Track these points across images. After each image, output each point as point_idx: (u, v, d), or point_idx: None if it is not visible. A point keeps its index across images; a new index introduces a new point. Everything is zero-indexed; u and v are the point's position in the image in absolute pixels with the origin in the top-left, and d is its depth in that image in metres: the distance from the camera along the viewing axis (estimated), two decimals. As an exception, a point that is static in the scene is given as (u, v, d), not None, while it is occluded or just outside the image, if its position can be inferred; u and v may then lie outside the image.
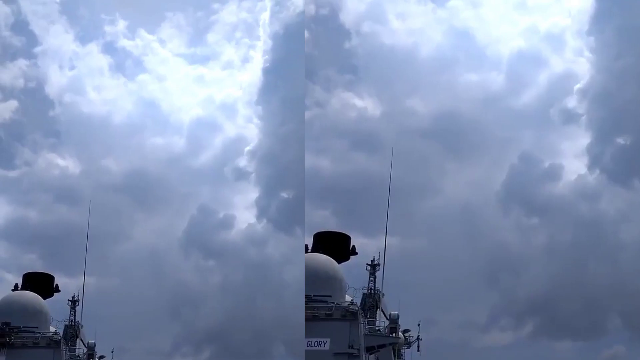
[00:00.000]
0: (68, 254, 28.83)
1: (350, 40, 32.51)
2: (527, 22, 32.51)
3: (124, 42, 33.60)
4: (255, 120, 33.16)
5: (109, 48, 33.66)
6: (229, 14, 33.23)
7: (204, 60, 33.45)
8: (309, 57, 31.41)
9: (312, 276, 18.97)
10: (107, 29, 33.72)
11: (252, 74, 32.85)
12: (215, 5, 33.15)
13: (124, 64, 33.86)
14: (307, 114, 32.14)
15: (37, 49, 33.83)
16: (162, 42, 33.65)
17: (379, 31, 32.19)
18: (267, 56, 32.51)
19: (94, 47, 34.09)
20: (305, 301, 18.51)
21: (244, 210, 33.27)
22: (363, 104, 32.37)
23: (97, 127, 33.09)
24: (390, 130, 31.40)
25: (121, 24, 33.58)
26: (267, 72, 32.44)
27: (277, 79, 32.30)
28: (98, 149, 32.87)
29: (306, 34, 31.22)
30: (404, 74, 31.95)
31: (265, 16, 32.32)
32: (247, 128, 33.41)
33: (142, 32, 33.50)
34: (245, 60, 33.24)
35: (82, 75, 34.07)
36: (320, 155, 32.15)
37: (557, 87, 32.03)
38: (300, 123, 30.39)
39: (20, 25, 33.48)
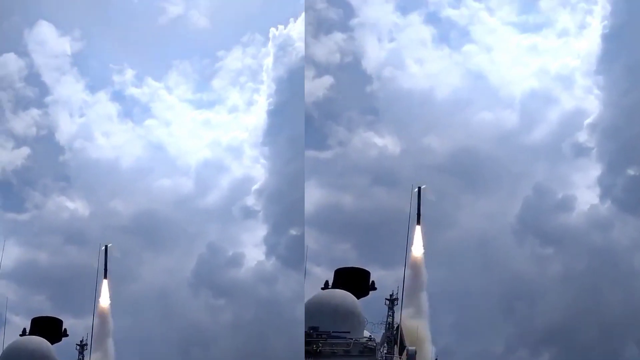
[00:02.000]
0: (77, 296, 30.43)
1: (372, 84, 33.95)
2: (538, 63, 33.85)
3: (132, 90, 34.82)
4: (262, 160, 34.46)
5: (118, 96, 34.90)
6: (233, 61, 34.15)
7: (209, 105, 34.45)
8: (332, 100, 33.48)
9: (332, 312, 19.93)
10: (116, 78, 34.90)
11: (257, 116, 34.05)
12: (221, 53, 34.08)
13: (132, 111, 35.03)
14: (330, 153, 34.16)
15: (49, 99, 35.18)
16: (169, 89, 34.82)
17: (399, 75, 33.51)
18: (270, 99, 33.85)
19: (103, 96, 35.25)
20: (324, 337, 19.36)
21: (252, 248, 34.36)
22: (383, 143, 33.80)
23: (105, 170, 34.35)
24: (408, 167, 32.91)
25: (129, 73, 34.80)
26: (271, 114, 33.84)
27: (281, 120, 33.65)
28: (107, 191, 33.91)
29: (331, 79, 33.42)
30: (421, 114, 33.39)
31: (268, 61, 33.54)
32: (254, 168, 34.56)
33: (150, 80, 34.72)
34: (250, 103, 34.29)
35: (92, 122, 35.31)
36: (342, 192, 33.77)
37: (568, 123, 33.56)
38: (301, 162, 32.11)
39: (33, 77, 34.92)
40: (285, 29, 33.61)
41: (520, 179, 33.55)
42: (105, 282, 27.08)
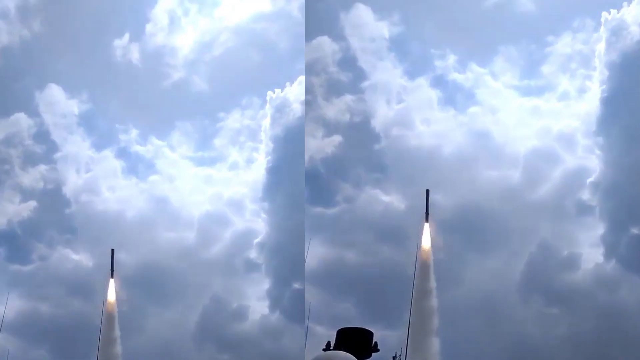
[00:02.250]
0: (79, 349, 31.08)
1: (380, 142, 34.75)
2: (541, 124, 34.49)
3: (136, 148, 35.94)
4: (263, 214, 35.26)
5: (123, 153, 36.03)
6: (232, 121, 35.52)
7: (211, 162, 35.65)
8: (341, 158, 34.11)
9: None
10: (121, 137, 36.11)
11: (257, 173, 35.17)
12: (221, 114, 35.56)
13: (137, 167, 36.13)
14: (337, 209, 34.58)
15: (57, 155, 36.31)
16: (171, 147, 36.02)
17: (406, 134, 34.40)
18: (269, 157, 35.11)
19: (108, 153, 36.38)
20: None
21: (256, 302, 34.63)
22: (389, 199, 34.30)
23: (110, 223, 35.17)
24: (414, 223, 33.13)
25: (134, 132, 36.05)
26: (270, 171, 35.06)
27: (280, 177, 34.79)
28: (111, 243, 33.99)
29: (339, 137, 34.19)
30: (427, 171, 33.95)
31: (266, 122, 34.92)
32: (255, 222, 35.34)
33: (154, 139, 35.92)
34: (250, 161, 35.46)
35: (97, 177, 36.36)
36: (346, 249, 34.05)
37: (571, 181, 34.01)
38: (301, 218, 32.83)
39: (42, 135, 36.12)
40: (282, 92, 34.93)
41: (525, 236, 33.79)
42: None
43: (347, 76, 34.80)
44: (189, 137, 35.83)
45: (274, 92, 34.83)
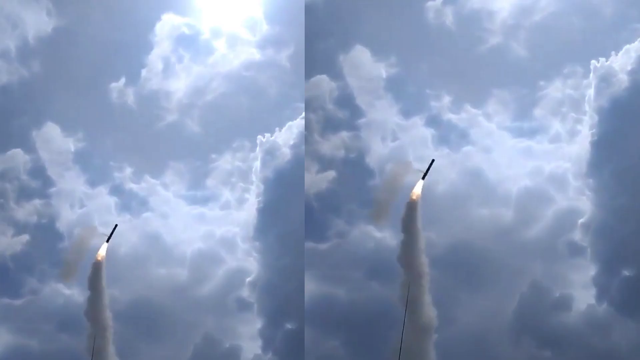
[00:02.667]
0: None
1: (374, 178, 35.35)
2: (533, 165, 35.20)
3: (130, 185, 36.96)
4: (254, 254, 36.01)
5: (117, 190, 37.01)
6: (224, 163, 36.71)
7: (203, 201, 36.68)
8: (335, 193, 34.55)
9: None
10: (116, 174, 37.15)
11: (248, 213, 36.22)
12: (213, 156, 36.83)
13: (130, 204, 36.98)
14: (328, 245, 34.76)
15: (52, 190, 37.22)
16: (165, 185, 37.01)
17: (400, 170, 34.96)
18: (260, 198, 36.24)
19: (102, 190, 37.34)
20: None
21: (249, 341, 34.97)
22: (381, 235, 34.59)
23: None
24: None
25: (128, 171, 37.12)
26: (261, 211, 36.10)
27: (273, 218, 35.84)
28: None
29: (333, 173, 34.70)
30: (421, 208, 34.35)
31: (257, 164, 36.32)
32: (247, 261, 36.06)
33: (147, 177, 36.97)
34: (241, 201, 36.49)
35: (91, 212, 37.24)
36: (336, 285, 34.08)
37: (562, 222, 34.43)
38: (300, 258, 33.61)
39: (38, 171, 37.22)
40: (271, 136, 36.43)
41: (516, 276, 34.02)
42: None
43: (344, 113, 35.68)
44: (181, 177, 36.85)
45: (264, 137, 36.32)
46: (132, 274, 36.00)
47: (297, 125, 35.94)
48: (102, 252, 34.50)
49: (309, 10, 34.83)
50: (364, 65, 35.50)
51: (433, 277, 32.77)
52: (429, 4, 35.54)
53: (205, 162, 36.59)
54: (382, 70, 35.45)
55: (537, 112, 35.32)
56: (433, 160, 31.33)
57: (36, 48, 36.93)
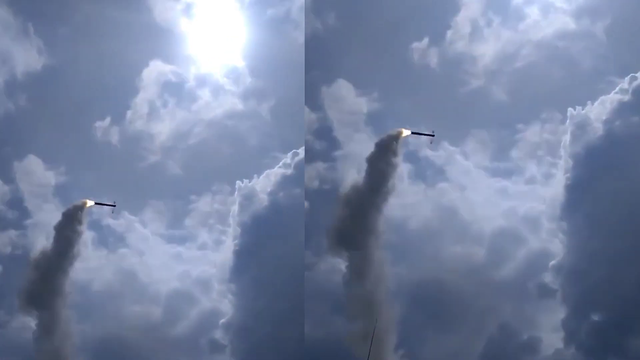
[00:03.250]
0: None
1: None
2: (507, 205, 35.57)
3: (108, 221, 37.12)
4: (230, 295, 36.30)
5: (95, 225, 37.09)
6: (203, 205, 37.37)
7: (181, 240, 37.12)
8: (306, 227, 34.65)
9: None
10: (95, 209, 37.09)
11: (224, 255, 36.74)
12: (192, 197, 37.50)
13: (107, 240, 37.16)
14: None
15: (28, 221, 37.21)
16: (143, 223, 37.30)
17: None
18: (236, 240, 36.80)
19: None
20: None
21: None
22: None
23: (76, 293, 35.58)
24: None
25: (107, 206, 37.09)
26: (237, 254, 36.60)
27: (248, 260, 36.28)
28: (76, 313, 35.19)
29: (306, 204, 35.00)
30: (393, 242, 34.46)
31: (234, 208, 36.96)
32: (222, 302, 36.35)
33: (126, 214, 37.21)
34: (218, 243, 37.03)
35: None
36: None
37: (534, 263, 34.63)
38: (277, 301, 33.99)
39: (16, 202, 37.26)
40: (250, 182, 37.22)
41: (485, 316, 33.95)
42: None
43: (321, 144, 36.11)
44: (161, 215, 37.34)
45: (242, 182, 37.08)
46: (105, 310, 35.89)
47: (274, 174, 36.87)
48: None
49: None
50: (345, 99, 36.02)
51: (401, 314, 32.75)
52: (415, 44, 36.26)
53: (184, 203, 37.26)
54: (363, 105, 36.07)
55: (514, 153, 35.89)
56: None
57: (24, 83, 37.55)
